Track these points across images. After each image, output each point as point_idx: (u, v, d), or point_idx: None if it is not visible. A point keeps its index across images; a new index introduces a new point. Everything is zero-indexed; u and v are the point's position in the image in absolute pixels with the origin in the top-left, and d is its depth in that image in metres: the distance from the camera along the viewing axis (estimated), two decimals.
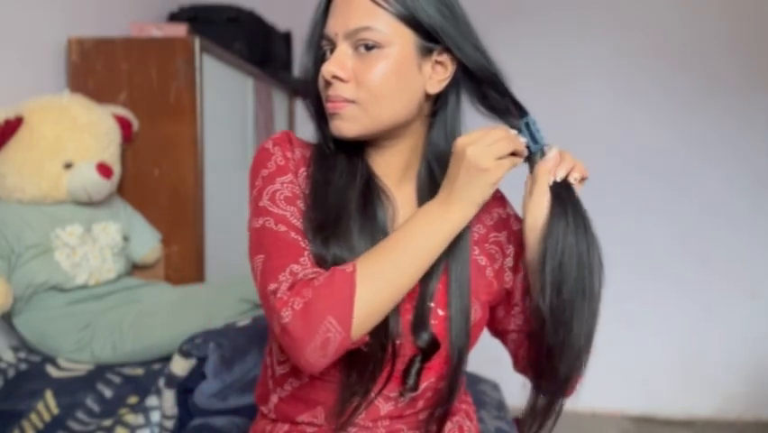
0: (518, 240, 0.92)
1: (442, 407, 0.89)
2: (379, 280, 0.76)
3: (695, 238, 2.81)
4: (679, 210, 2.81)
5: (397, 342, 0.83)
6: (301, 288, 0.75)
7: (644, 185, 2.82)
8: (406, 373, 0.86)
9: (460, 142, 0.78)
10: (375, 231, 0.84)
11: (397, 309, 0.82)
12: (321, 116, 0.89)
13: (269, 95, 2.55)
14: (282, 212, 0.82)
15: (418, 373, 0.85)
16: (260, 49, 2.42)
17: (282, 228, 0.81)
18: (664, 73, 2.79)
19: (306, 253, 0.80)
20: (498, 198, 0.97)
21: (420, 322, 0.84)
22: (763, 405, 2.79)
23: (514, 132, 0.82)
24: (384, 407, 0.88)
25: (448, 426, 0.93)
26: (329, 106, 0.83)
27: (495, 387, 1.69)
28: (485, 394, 1.60)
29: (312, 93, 0.88)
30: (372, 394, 0.84)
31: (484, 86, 0.87)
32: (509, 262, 0.93)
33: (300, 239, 0.81)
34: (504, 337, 0.98)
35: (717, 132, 2.79)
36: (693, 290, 2.82)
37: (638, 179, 2.82)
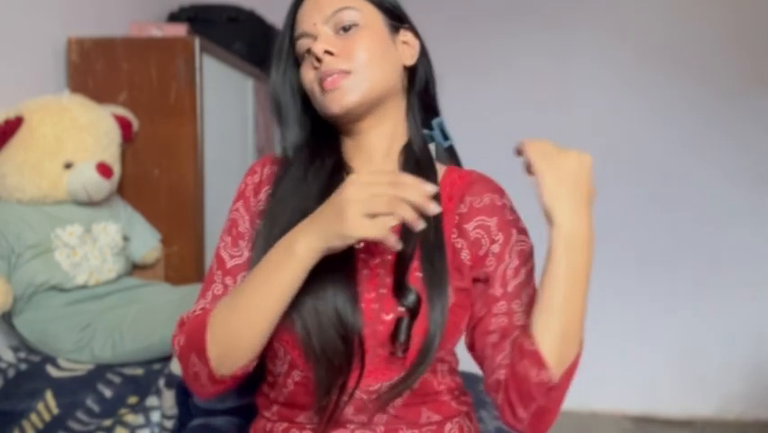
0: (509, 231, 0.89)
1: (408, 379, 0.84)
2: (229, 319, 0.81)
3: (695, 238, 2.81)
4: (679, 210, 2.81)
5: (364, 333, 0.82)
6: (182, 326, 0.87)
7: (644, 185, 2.82)
8: (396, 331, 0.82)
9: (352, 176, 0.75)
10: None
11: (354, 300, 0.82)
12: (288, 122, 0.95)
13: (268, 94, 2.55)
14: (221, 243, 0.93)
15: (409, 328, 0.82)
16: (260, 49, 2.42)
17: (213, 261, 0.92)
18: (664, 73, 2.80)
19: (213, 286, 0.90)
20: (496, 187, 0.95)
21: (401, 287, 0.83)
22: (763, 405, 2.79)
23: (427, 184, 0.73)
24: (367, 400, 0.86)
25: (448, 426, 0.93)
26: (327, 83, 0.86)
27: None
28: (485, 394, 1.59)
29: (289, 98, 0.95)
30: (350, 388, 0.83)
31: (428, 70, 0.96)
32: (496, 248, 0.88)
33: (215, 270, 0.91)
34: (483, 341, 0.89)
35: (718, 132, 2.79)
36: (693, 290, 2.82)
37: (637, 178, 2.82)
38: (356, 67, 0.86)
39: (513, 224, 0.91)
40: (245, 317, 0.80)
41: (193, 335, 0.83)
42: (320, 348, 0.81)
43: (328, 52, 0.86)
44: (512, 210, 0.93)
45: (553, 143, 0.85)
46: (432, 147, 0.97)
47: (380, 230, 0.72)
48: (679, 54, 2.79)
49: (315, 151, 0.93)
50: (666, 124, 2.81)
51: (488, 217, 0.90)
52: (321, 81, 0.87)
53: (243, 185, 0.96)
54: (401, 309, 0.83)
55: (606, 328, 2.79)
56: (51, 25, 1.91)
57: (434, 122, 0.96)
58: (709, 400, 2.83)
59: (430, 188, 0.72)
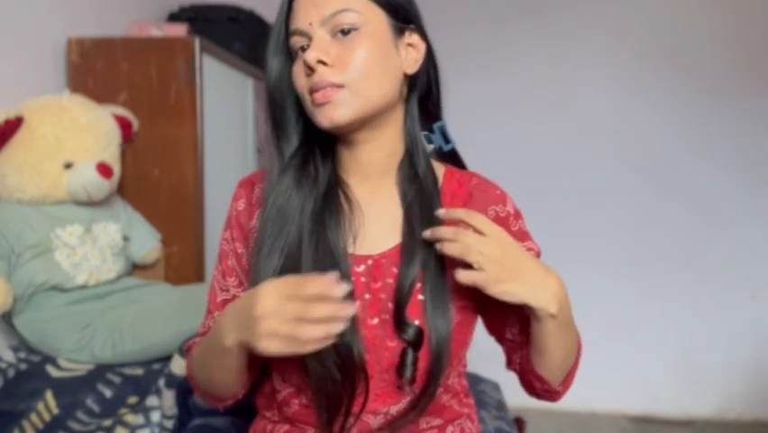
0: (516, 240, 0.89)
1: (423, 401, 0.85)
2: (199, 374, 0.87)
3: (695, 238, 2.81)
4: (679, 210, 2.81)
5: (366, 360, 0.81)
6: (186, 354, 0.94)
7: (644, 185, 2.82)
8: (401, 365, 0.82)
9: (265, 287, 0.71)
10: (329, 251, 0.83)
11: (353, 328, 0.79)
12: (284, 123, 0.87)
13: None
14: (215, 270, 0.93)
15: (414, 364, 0.82)
16: (260, 49, 2.41)
17: (210, 285, 0.94)
18: (664, 73, 2.79)
19: (208, 317, 0.92)
20: (497, 195, 0.91)
21: (400, 321, 0.82)
22: (763, 405, 2.79)
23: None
24: (375, 421, 0.86)
25: (449, 428, 0.92)
26: (318, 96, 0.80)
27: (495, 387, 1.69)
28: (485, 394, 1.60)
29: (285, 96, 0.87)
30: (354, 413, 0.82)
31: (435, 73, 0.91)
32: None
33: (209, 301, 0.93)
34: (502, 343, 0.95)
35: (718, 132, 2.79)
36: (693, 290, 2.82)
37: (637, 178, 2.82)
38: (350, 80, 0.80)
39: (516, 235, 0.89)
40: (209, 377, 0.85)
41: (186, 370, 0.93)
42: (318, 380, 0.80)
43: (321, 62, 0.80)
44: (516, 216, 0.91)
45: (470, 244, 0.76)
46: (430, 146, 0.95)
47: (290, 347, 0.69)
48: (679, 55, 2.78)
49: (309, 158, 0.87)
50: (666, 124, 2.81)
51: None
52: (312, 92, 0.81)
53: (230, 212, 0.92)
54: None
55: (606, 328, 2.79)
56: (51, 25, 1.91)
57: (436, 126, 0.93)
58: (709, 400, 2.83)
59: (339, 290, 0.68)
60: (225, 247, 0.92)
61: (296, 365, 0.83)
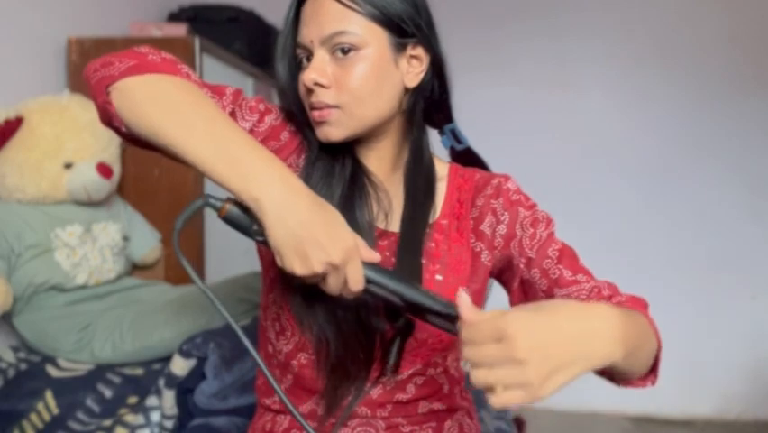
0: (515, 210, 0.90)
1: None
2: (161, 100, 0.77)
3: (695, 239, 2.81)
4: (679, 211, 2.81)
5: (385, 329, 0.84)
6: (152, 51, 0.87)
7: (644, 185, 2.82)
8: (386, 353, 0.85)
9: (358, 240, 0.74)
10: (357, 227, 0.83)
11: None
12: (303, 123, 0.89)
13: (269, 95, 2.55)
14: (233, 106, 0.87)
15: (399, 353, 0.85)
16: (260, 49, 2.42)
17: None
18: (665, 75, 2.80)
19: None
20: (499, 174, 0.94)
21: (392, 309, 0.84)
22: (763, 405, 2.79)
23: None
24: (374, 391, 0.88)
25: (448, 423, 0.93)
26: (315, 114, 0.83)
27: None
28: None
29: (293, 102, 0.89)
30: (367, 386, 0.86)
31: (441, 81, 0.90)
32: (502, 229, 0.89)
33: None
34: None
35: (718, 133, 2.79)
36: (693, 290, 2.82)
37: (637, 179, 2.82)
38: (345, 102, 0.82)
39: (519, 203, 0.91)
40: (155, 119, 0.77)
41: (162, 63, 0.81)
42: (337, 360, 0.82)
43: (319, 84, 0.82)
44: (518, 192, 0.93)
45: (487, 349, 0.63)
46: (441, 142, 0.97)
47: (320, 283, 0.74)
48: (680, 57, 2.79)
49: (337, 147, 0.88)
50: (667, 125, 2.81)
51: (495, 200, 0.91)
52: (311, 108, 0.84)
53: (289, 135, 0.91)
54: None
55: None
56: (51, 25, 1.91)
57: (446, 128, 0.95)
58: (709, 400, 2.83)
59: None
60: (260, 106, 0.89)
61: (309, 326, 0.84)
